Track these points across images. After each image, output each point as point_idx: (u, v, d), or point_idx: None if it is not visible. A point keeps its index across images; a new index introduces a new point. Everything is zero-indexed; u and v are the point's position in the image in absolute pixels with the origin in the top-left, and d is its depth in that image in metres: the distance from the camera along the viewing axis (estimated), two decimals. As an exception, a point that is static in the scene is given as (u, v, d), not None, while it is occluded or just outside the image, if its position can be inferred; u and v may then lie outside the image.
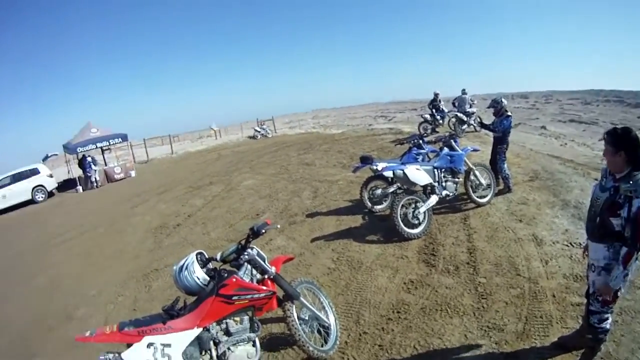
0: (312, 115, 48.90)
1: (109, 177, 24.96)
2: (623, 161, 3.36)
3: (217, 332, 4.17)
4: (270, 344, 5.02)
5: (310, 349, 4.40)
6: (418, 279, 5.92)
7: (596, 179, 6.40)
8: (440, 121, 19.70)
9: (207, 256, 4.40)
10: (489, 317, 4.75)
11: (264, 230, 4.35)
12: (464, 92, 18.89)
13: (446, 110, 19.76)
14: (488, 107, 9.60)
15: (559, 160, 12.56)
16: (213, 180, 17.65)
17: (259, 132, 32.20)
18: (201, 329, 4.06)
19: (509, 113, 9.00)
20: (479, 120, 13.86)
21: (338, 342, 4.77)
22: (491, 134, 9.80)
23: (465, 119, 17.84)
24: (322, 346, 4.64)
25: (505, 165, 9.11)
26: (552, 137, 13.82)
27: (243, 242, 4.38)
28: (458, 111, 18.31)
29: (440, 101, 20.00)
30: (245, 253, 4.31)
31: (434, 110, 19.84)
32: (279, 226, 7.32)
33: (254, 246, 4.44)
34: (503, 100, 9.10)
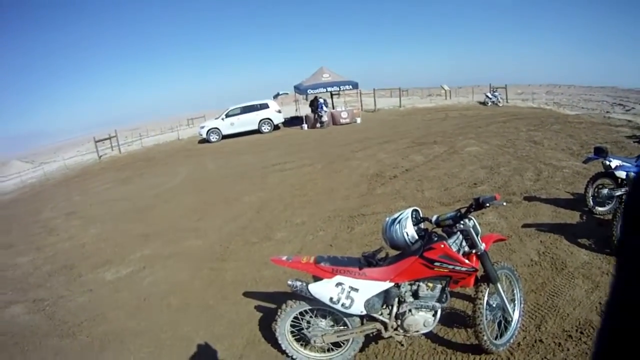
0: (545, 89, 45.66)
1: (334, 120, 26.09)
2: None
3: (405, 292, 4.20)
4: (446, 318, 4.92)
5: (485, 338, 4.22)
6: None
7: None
8: None
9: (421, 215, 4.37)
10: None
11: (488, 204, 4.07)
12: None
13: None
14: None
15: None
16: (437, 139, 17.55)
17: (490, 98, 30.84)
18: (392, 284, 4.12)
19: None
20: None
21: (512, 341, 4.53)
22: None
23: None
24: (495, 339, 4.43)
25: None
26: None
27: (463, 210, 4.19)
28: None
29: None
30: (462, 222, 4.13)
31: None
32: (505, 204, 7.00)
33: (473, 217, 4.27)
34: None
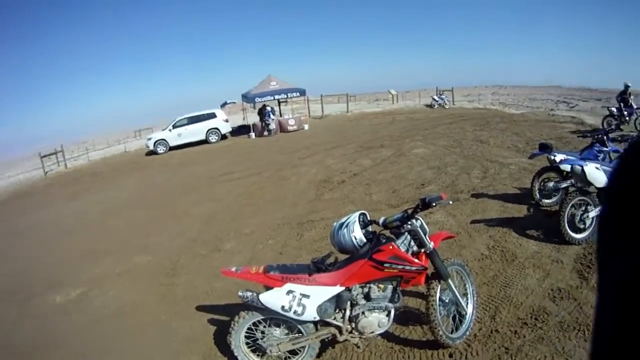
0: (491, 91, 46.87)
1: (282, 128, 26.21)
2: None
3: (357, 294, 4.21)
4: (400, 317, 4.96)
5: (440, 333, 4.28)
6: (566, 289, 5.46)
7: None
8: (627, 118, 17.29)
9: (369, 218, 4.41)
10: (623, 354, 4.26)
11: (434, 204, 4.18)
12: None
13: (635, 107, 17.41)
14: None
15: None
16: (384, 143, 17.77)
17: (437, 101, 31.57)
18: (343, 288, 4.12)
19: None
20: None
21: (468, 333, 4.61)
22: None
23: None
24: (451, 333, 4.50)
25: None
26: None
27: (410, 211, 4.28)
28: None
29: (630, 95, 17.73)
30: (409, 223, 4.19)
31: (621, 104, 17.67)
32: (451, 202, 7.10)
33: (420, 217, 4.31)
34: None
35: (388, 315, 4.26)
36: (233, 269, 4.40)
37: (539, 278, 5.80)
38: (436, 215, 8.52)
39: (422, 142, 17.10)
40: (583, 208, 6.81)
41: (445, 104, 31.47)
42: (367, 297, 4.21)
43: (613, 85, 26.11)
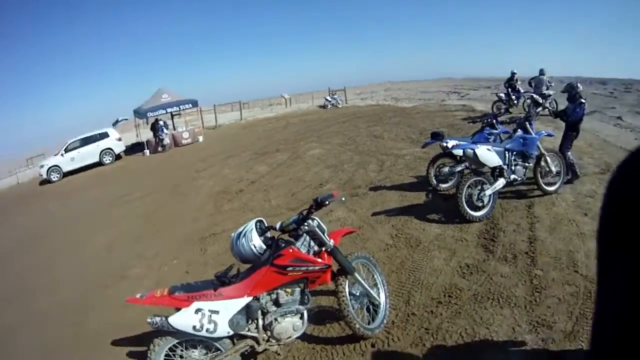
0: (384, 87, 47.99)
1: (176, 142, 25.60)
2: None
3: (266, 302, 4.20)
4: (316, 317, 5.01)
5: (357, 326, 4.36)
6: (474, 264, 5.77)
7: None
8: (515, 102, 18.81)
9: (266, 224, 4.41)
10: (539, 312, 4.57)
11: (327, 202, 4.25)
12: (541, 72, 17.66)
13: (522, 91, 18.83)
14: (563, 92, 9.08)
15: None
16: (279, 147, 17.83)
17: (330, 101, 32.11)
18: (251, 297, 4.09)
19: (583, 100, 8.47)
20: (554, 106, 13.37)
21: (385, 322, 4.72)
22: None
23: (541, 101, 16.45)
24: (368, 324, 4.60)
25: (570, 153, 8.52)
26: (627, 130, 13.04)
27: (305, 212, 4.31)
28: (534, 92, 16.87)
29: (517, 80, 19.17)
30: (306, 224, 4.24)
31: (509, 90, 19.03)
32: (344, 199, 7.22)
33: (315, 217, 4.38)
34: (579, 85, 8.57)
35: (301, 317, 4.27)
36: (138, 296, 4.21)
37: (446, 258, 6.06)
38: (337, 212, 8.68)
39: (317, 142, 17.37)
40: (479, 187, 7.24)
41: (338, 103, 32.08)
42: (276, 303, 4.21)
43: (500, 74, 27.66)
